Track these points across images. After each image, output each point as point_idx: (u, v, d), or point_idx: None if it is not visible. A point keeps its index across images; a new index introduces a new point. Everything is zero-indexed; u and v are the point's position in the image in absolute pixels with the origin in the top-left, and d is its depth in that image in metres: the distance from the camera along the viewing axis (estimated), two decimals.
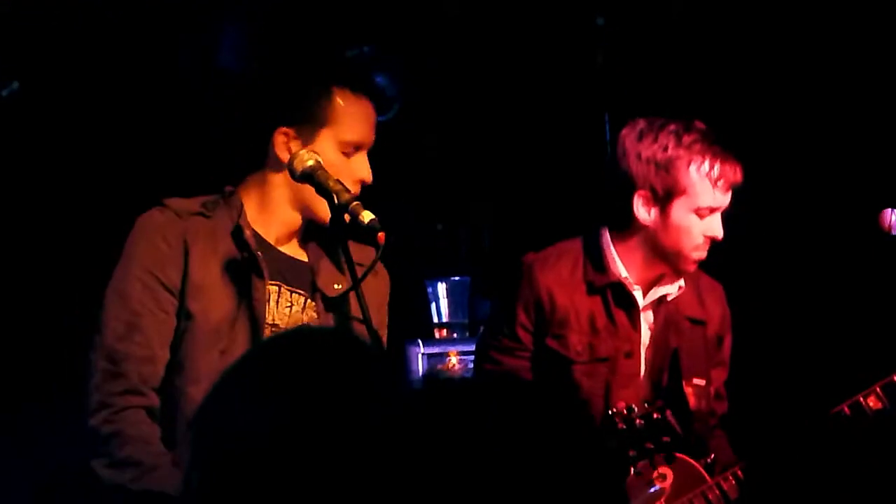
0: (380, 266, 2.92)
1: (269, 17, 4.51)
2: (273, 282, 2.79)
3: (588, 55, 4.60)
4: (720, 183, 3.10)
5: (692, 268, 3.19)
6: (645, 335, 3.23)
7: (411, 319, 4.45)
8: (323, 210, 2.74)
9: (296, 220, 2.82)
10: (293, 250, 2.86)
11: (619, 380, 3.17)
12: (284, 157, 2.77)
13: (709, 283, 3.35)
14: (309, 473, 1.28)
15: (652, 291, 3.22)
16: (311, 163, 2.66)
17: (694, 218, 3.10)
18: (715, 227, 3.13)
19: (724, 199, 3.14)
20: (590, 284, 3.20)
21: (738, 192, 3.16)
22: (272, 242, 2.84)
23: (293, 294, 2.83)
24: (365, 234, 2.69)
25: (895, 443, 3.18)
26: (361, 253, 2.83)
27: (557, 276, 3.19)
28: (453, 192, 4.87)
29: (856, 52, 4.29)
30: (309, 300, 2.83)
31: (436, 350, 4.45)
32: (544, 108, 4.78)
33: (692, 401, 3.18)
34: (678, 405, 3.08)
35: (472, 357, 4.12)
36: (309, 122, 2.78)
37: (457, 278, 4.69)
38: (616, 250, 3.20)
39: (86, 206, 4.21)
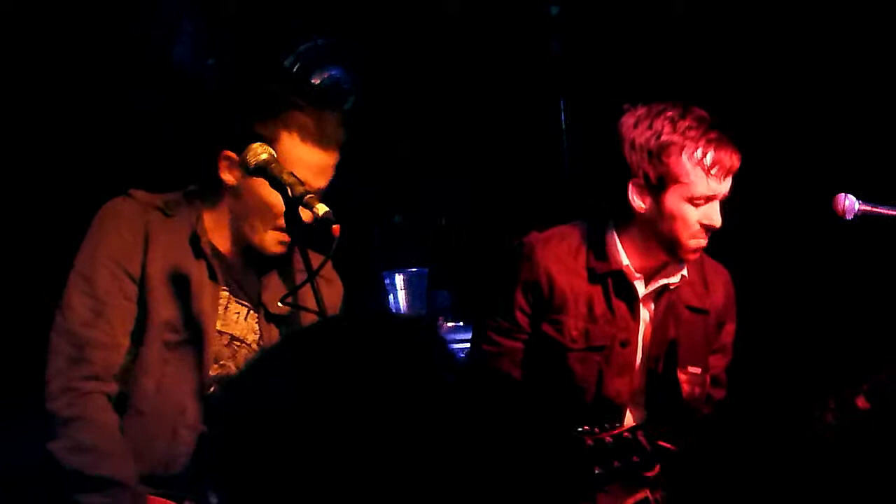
0: (333, 275, 2.99)
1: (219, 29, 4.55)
2: (224, 288, 2.86)
3: (543, 44, 4.63)
4: (714, 171, 3.07)
5: (692, 256, 3.19)
6: (644, 324, 3.23)
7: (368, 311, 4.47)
8: (261, 227, 2.78)
9: (247, 232, 2.84)
10: (244, 261, 2.90)
11: (612, 368, 3.18)
12: (228, 179, 2.83)
13: (714, 269, 3.35)
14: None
15: (654, 281, 3.22)
16: (264, 156, 2.68)
17: (688, 206, 3.09)
18: (711, 215, 3.10)
19: (719, 188, 3.10)
20: (591, 272, 3.20)
21: (736, 180, 3.14)
22: (226, 252, 2.89)
23: (238, 304, 2.88)
24: (319, 227, 2.67)
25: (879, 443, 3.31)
26: (314, 261, 2.85)
27: (559, 259, 3.20)
28: (408, 182, 4.88)
29: (825, 41, 4.34)
30: (252, 311, 2.88)
31: None
32: (499, 97, 4.79)
33: (685, 388, 3.20)
34: (670, 392, 3.17)
35: None
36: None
37: (414, 270, 4.70)
38: (619, 239, 3.19)
39: (42, 197, 4.22)
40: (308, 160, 2.78)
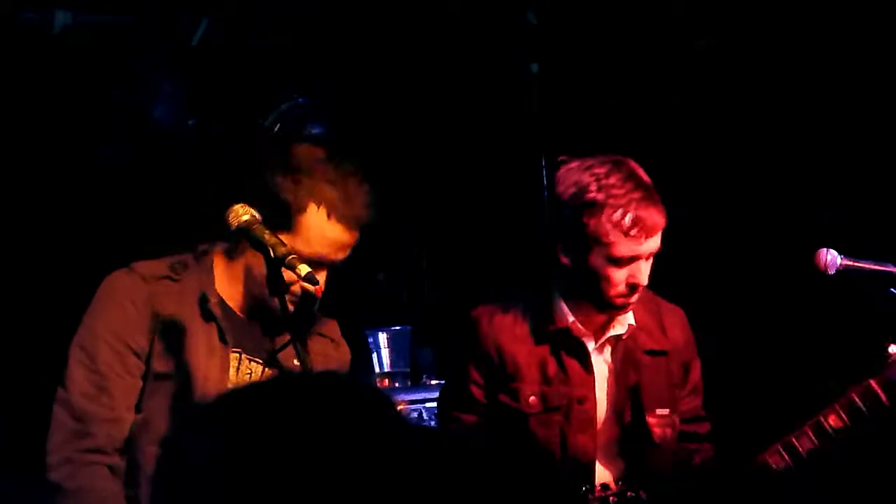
0: (340, 338, 3.05)
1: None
2: (235, 349, 2.87)
3: (522, 99, 4.70)
4: (633, 232, 3.07)
5: (623, 311, 3.20)
6: (600, 378, 3.24)
7: (352, 370, 4.46)
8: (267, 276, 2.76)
9: (262, 290, 2.82)
10: (258, 319, 2.90)
11: (574, 426, 3.19)
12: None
13: (669, 310, 3.36)
14: None
15: (603, 334, 3.22)
16: (246, 217, 2.70)
17: (612, 266, 3.09)
18: (636, 274, 3.11)
19: (642, 248, 3.09)
20: (538, 333, 3.21)
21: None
22: (237, 310, 2.89)
23: (251, 362, 2.90)
24: (302, 288, 2.73)
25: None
26: (324, 324, 2.92)
27: (505, 328, 3.21)
28: (391, 240, 4.88)
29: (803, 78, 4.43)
30: (266, 369, 2.90)
31: None
32: (480, 153, 4.87)
33: (656, 431, 3.22)
34: (641, 438, 3.19)
35: (415, 407, 4.25)
36: (272, 217, 2.77)
37: (398, 328, 4.73)
38: (562, 296, 3.20)
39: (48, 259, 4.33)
40: (330, 236, 2.79)
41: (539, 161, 4.63)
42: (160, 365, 2.83)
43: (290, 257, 2.65)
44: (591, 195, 3.08)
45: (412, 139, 4.88)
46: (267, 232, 2.70)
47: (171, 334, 2.84)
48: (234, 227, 2.73)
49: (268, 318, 2.91)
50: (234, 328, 2.89)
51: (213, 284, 2.90)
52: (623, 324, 3.25)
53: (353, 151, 2.84)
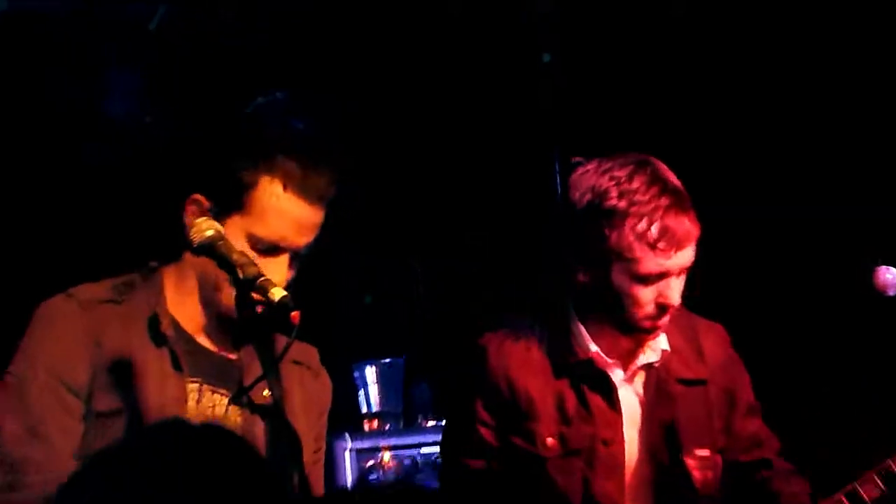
0: (320, 368, 2.98)
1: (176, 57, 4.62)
2: (193, 379, 2.80)
3: (532, 93, 4.66)
4: (661, 245, 2.98)
5: (653, 335, 3.10)
6: (629, 414, 3.15)
7: (336, 409, 4.41)
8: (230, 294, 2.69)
9: (224, 310, 2.78)
10: (220, 343, 2.85)
11: (598, 472, 3.12)
12: None
13: (707, 329, 3.26)
14: None
15: (631, 363, 3.14)
16: (210, 233, 2.63)
17: (638, 285, 3.01)
18: (666, 292, 3.02)
19: (672, 263, 3.00)
20: (556, 365, 3.13)
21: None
22: (192, 333, 2.83)
23: (215, 394, 2.83)
24: (277, 315, 2.60)
25: None
26: (301, 351, 2.85)
27: (517, 358, 3.13)
28: (381, 255, 4.91)
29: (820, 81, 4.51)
30: (232, 404, 2.83)
31: (366, 445, 4.40)
32: (484, 154, 4.86)
33: (696, 475, 3.15)
34: (678, 484, 3.14)
35: (408, 452, 4.19)
36: (223, 197, 2.76)
37: (388, 360, 4.69)
38: (581, 320, 3.12)
39: None
40: (288, 211, 2.75)
41: (551, 162, 4.58)
42: (105, 402, 2.74)
43: (262, 279, 2.58)
44: (612, 203, 3.00)
45: (407, 138, 4.85)
46: (236, 250, 2.63)
47: (116, 366, 2.76)
48: (196, 244, 2.65)
49: (233, 343, 2.85)
50: (190, 354, 2.82)
51: (165, 304, 2.82)
52: (655, 349, 3.15)
53: (343, 153, 2.83)
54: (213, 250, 2.64)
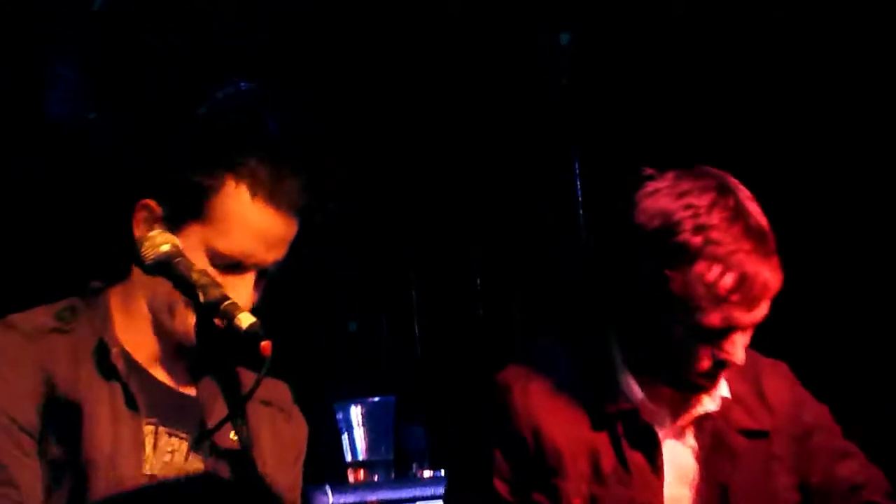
0: (294, 409, 2.90)
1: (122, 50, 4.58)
2: (149, 419, 2.75)
3: (548, 79, 4.68)
4: (735, 297, 2.86)
5: (704, 393, 3.00)
6: (677, 474, 3.06)
7: (316, 457, 4.40)
8: (187, 318, 2.66)
9: (181, 338, 2.74)
10: (177, 377, 2.80)
11: None
12: None
13: (770, 368, 3.16)
14: None
15: (685, 413, 3.05)
16: (166, 247, 2.55)
17: (698, 338, 2.91)
18: (730, 349, 2.91)
19: (744, 318, 2.89)
20: (593, 414, 3.02)
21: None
22: (145, 364, 2.77)
23: (173, 437, 2.78)
24: (245, 345, 2.52)
25: None
26: (270, 388, 2.78)
27: (545, 402, 3.02)
28: (368, 276, 4.87)
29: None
30: (194, 448, 2.78)
31: (351, 499, 4.35)
32: (490, 150, 4.87)
33: None
34: None
35: None
36: (179, 203, 2.71)
37: (376, 399, 4.64)
38: (626, 360, 3.04)
39: None
40: (256, 222, 2.68)
41: (569, 158, 4.58)
42: (56, 449, 2.68)
43: (227, 303, 2.49)
44: (683, 237, 2.86)
45: (407, 141, 4.84)
46: (195, 269, 2.54)
47: (67, 405, 2.69)
48: (149, 261, 2.56)
49: (192, 377, 2.79)
50: (145, 390, 2.74)
51: (113, 331, 2.75)
52: (713, 397, 3.02)
53: (321, 155, 2.81)
54: (169, 268, 2.56)
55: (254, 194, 2.66)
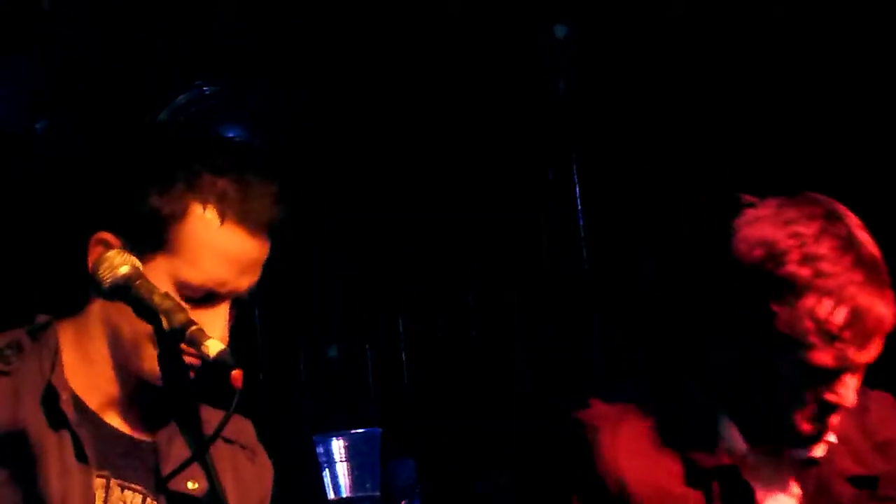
0: (259, 449, 2.87)
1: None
2: (100, 472, 2.69)
3: (544, 77, 4.70)
4: (847, 334, 2.79)
5: (807, 452, 2.94)
6: None
7: (294, 494, 4.36)
8: (151, 348, 2.62)
9: (128, 375, 2.70)
10: (132, 422, 2.74)
11: None
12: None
13: (876, 402, 3.08)
14: None
15: (785, 461, 2.98)
16: (125, 269, 2.52)
17: (806, 379, 2.86)
18: (840, 390, 2.84)
19: (857, 357, 2.83)
20: (689, 467, 2.94)
21: None
22: (97, 409, 2.72)
23: (126, 491, 2.74)
24: (214, 375, 2.49)
25: None
26: (231, 426, 2.68)
27: (637, 449, 2.95)
28: (349, 295, 4.85)
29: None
30: (149, 499, 2.73)
31: None
32: (480, 154, 4.90)
33: None
34: None
35: None
36: (139, 234, 2.66)
37: (360, 431, 4.64)
38: (719, 405, 2.98)
39: None
40: (228, 247, 2.64)
41: (569, 164, 4.60)
42: None
43: (193, 328, 2.46)
44: (790, 268, 2.82)
45: (397, 147, 4.83)
46: (158, 291, 2.50)
47: (8, 458, 2.64)
48: (107, 284, 2.52)
49: (147, 421, 2.73)
50: (98, 438, 2.68)
51: (62, 372, 2.69)
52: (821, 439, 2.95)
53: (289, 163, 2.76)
54: (128, 292, 2.52)
55: (223, 217, 2.64)
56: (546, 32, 4.77)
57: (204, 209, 2.62)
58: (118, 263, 2.51)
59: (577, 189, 4.66)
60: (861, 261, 2.82)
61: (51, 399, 2.66)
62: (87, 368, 2.72)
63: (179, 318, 2.46)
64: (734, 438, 2.94)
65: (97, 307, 2.68)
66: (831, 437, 2.93)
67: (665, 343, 3.25)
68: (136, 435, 2.73)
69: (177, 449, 2.70)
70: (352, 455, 4.64)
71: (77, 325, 2.74)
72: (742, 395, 2.92)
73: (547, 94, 4.80)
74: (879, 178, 4.51)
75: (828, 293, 2.79)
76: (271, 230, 2.66)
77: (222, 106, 4.64)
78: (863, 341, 2.81)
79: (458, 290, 5.01)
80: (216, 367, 2.44)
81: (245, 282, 2.64)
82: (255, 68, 4.72)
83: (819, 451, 2.93)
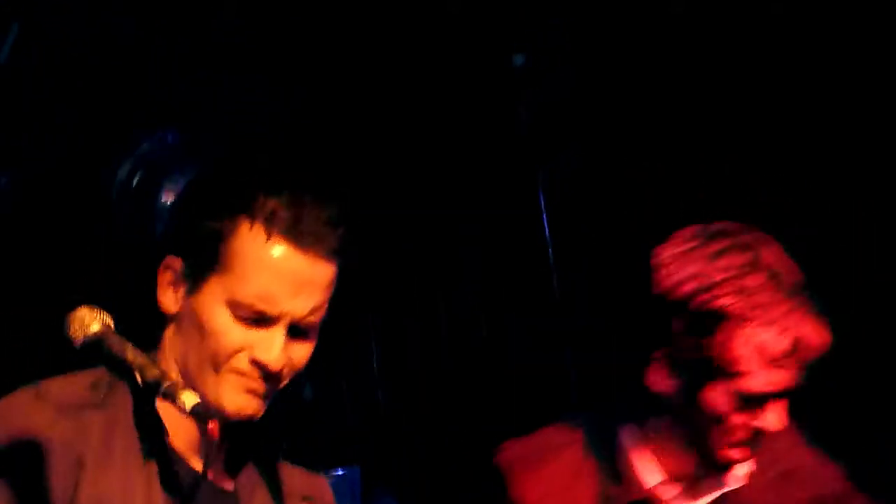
0: (328, 496, 2.96)
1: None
2: None
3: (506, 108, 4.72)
4: (786, 361, 2.89)
5: (733, 467, 3.01)
6: None
7: None
8: (212, 370, 2.74)
9: (205, 398, 2.70)
10: (215, 469, 2.79)
11: None
12: (169, 304, 2.76)
13: (781, 431, 3.12)
14: None
15: (703, 492, 3.03)
16: (95, 327, 2.58)
17: (739, 405, 2.93)
18: (770, 416, 2.93)
19: (790, 381, 2.93)
20: (605, 501, 3.00)
21: None
22: (182, 451, 2.78)
23: None
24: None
25: None
26: (304, 481, 2.86)
27: (552, 488, 3.03)
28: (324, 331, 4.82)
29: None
30: None
31: None
32: (452, 183, 4.94)
33: None
34: None
35: None
36: (197, 255, 2.75)
37: (340, 471, 4.61)
38: (638, 438, 3.06)
39: None
40: (275, 263, 2.71)
41: (535, 192, 4.60)
42: None
43: (168, 383, 2.51)
44: (724, 302, 2.89)
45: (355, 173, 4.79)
46: (130, 347, 2.55)
47: (93, 494, 2.68)
48: (78, 343, 2.58)
49: (230, 469, 2.81)
50: (182, 480, 2.76)
51: (155, 408, 2.72)
52: (735, 472, 3.04)
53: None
54: (101, 349, 2.59)
55: (269, 233, 2.72)
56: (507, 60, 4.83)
57: (252, 226, 2.71)
58: (88, 322, 2.59)
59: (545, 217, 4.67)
60: (795, 289, 2.91)
61: (151, 433, 2.74)
62: (173, 407, 2.65)
63: (153, 372, 2.53)
64: (648, 474, 3.02)
65: (169, 334, 2.78)
66: (747, 467, 3.03)
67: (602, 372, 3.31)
68: (217, 482, 2.79)
69: (258, 499, 2.82)
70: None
71: (162, 359, 2.80)
72: (670, 426, 2.99)
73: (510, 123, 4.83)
74: (879, 178, 4.62)
75: (770, 323, 2.88)
76: (332, 252, 2.71)
77: (188, 151, 4.63)
78: (800, 367, 2.91)
79: (429, 321, 5.00)
80: (194, 418, 2.53)
81: (299, 305, 2.69)
82: (253, 66, 4.84)
83: (736, 480, 3.03)
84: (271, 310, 2.68)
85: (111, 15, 4.71)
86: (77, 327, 2.59)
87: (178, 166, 4.73)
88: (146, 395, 2.54)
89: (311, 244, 2.69)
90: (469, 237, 5.01)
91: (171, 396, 2.49)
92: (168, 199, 4.59)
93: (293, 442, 4.80)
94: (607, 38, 4.91)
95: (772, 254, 2.95)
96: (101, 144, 4.73)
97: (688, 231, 2.98)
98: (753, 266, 2.91)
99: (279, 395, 4.79)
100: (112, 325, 2.58)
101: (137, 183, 4.72)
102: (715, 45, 4.82)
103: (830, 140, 4.71)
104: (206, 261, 2.71)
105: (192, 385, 2.69)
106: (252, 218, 2.70)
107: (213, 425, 2.53)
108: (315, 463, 4.75)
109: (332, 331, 5.14)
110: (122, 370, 2.56)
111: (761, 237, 2.96)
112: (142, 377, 2.53)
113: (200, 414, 2.49)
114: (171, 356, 2.79)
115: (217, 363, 2.72)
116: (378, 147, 5.01)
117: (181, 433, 2.77)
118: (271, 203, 2.71)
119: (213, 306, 2.69)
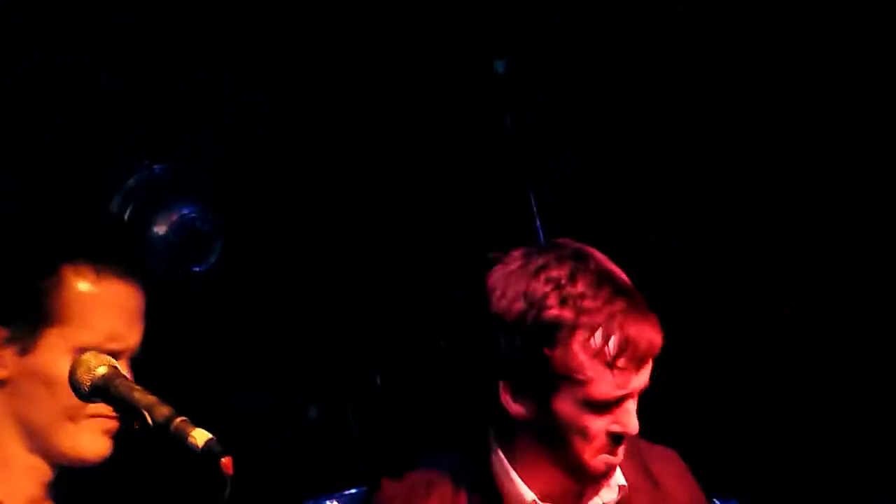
0: None
1: None
2: None
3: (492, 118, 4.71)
4: (622, 362, 2.92)
5: (604, 479, 3.04)
6: None
7: None
8: None
9: (51, 463, 2.80)
10: None
11: None
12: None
13: (658, 457, 3.22)
14: None
15: None
16: (102, 370, 2.61)
17: (590, 413, 2.94)
18: (624, 420, 2.96)
19: (633, 382, 2.96)
20: None
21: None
22: None
23: None
24: (203, 465, 2.58)
25: None
26: None
27: None
28: (327, 351, 4.83)
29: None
30: None
31: None
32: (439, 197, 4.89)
33: None
34: None
35: None
36: (24, 317, 2.74)
37: (348, 492, 4.42)
38: (510, 461, 3.04)
39: None
40: (111, 299, 2.76)
41: (528, 204, 4.64)
42: None
43: (178, 421, 2.52)
44: (554, 312, 2.93)
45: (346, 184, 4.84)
46: (136, 388, 2.58)
47: None
48: (87, 387, 2.62)
49: None
50: None
51: None
52: (611, 486, 3.07)
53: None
54: (108, 392, 2.62)
55: (97, 272, 2.77)
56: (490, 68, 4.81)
57: (76, 270, 2.76)
58: (95, 365, 2.62)
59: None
60: (619, 290, 2.95)
61: None
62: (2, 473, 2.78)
63: (162, 411, 2.53)
64: (521, 495, 3.03)
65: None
66: (622, 481, 3.07)
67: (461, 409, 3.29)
68: None
69: None
70: None
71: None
72: (531, 446, 3.02)
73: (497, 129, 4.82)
74: (880, 178, 4.71)
75: (595, 327, 2.92)
76: (138, 277, 2.80)
77: (171, 184, 4.62)
78: (637, 366, 2.95)
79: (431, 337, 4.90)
80: (206, 456, 2.52)
81: (134, 335, 2.78)
82: (253, 66, 4.78)
83: (612, 495, 3.07)
84: (119, 346, 2.73)
85: (111, 15, 4.61)
86: (83, 372, 2.62)
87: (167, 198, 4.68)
88: (158, 432, 2.55)
89: (127, 272, 2.78)
90: (461, 242, 4.94)
91: (183, 434, 2.51)
92: (160, 230, 4.57)
93: (300, 464, 4.80)
94: (607, 38, 4.87)
95: (594, 261, 2.99)
96: (100, 145, 4.69)
97: (516, 252, 3.01)
98: (574, 275, 2.95)
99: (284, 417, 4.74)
100: (118, 369, 2.64)
101: (129, 216, 4.69)
102: (715, 45, 4.82)
103: (830, 140, 4.76)
104: (34, 319, 2.73)
105: (41, 442, 2.77)
106: (74, 264, 2.74)
107: (226, 460, 2.53)
108: (322, 485, 4.73)
109: (329, 347, 5.07)
110: (132, 411, 2.57)
111: (582, 248, 3.01)
112: (151, 417, 2.53)
113: (213, 451, 2.49)
114: (4, 422, 2.79)
115: (74, 413, 2.73)
116: (371, 152, 4.99)
117: (14, 497, 2.79)
118: (87, 247, 2.78)
119: (57, 359, 2.70)
